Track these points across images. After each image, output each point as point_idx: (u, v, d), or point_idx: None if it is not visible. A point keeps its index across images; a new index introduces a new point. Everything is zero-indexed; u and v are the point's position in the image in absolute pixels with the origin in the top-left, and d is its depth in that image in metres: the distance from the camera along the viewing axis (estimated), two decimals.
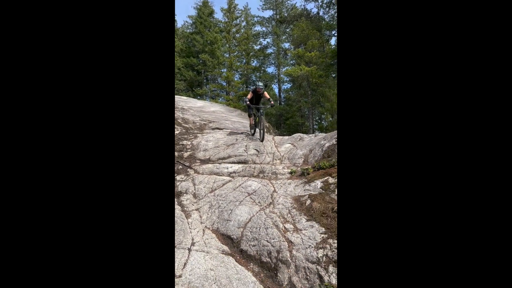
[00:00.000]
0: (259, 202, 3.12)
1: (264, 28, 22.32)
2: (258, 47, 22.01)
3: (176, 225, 2.69)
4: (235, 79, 19.65)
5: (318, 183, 3.34)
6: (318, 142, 4.78)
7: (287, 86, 21.54)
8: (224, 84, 19.42)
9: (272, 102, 5.83)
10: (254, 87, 5.96)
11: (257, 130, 5.71)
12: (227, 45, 19.63)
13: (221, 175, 4.00)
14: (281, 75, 20.73)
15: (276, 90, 21.39)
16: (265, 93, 5.94)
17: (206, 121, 7.14)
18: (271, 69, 23.20)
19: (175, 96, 9.96)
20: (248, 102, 5.81)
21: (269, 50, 21.95)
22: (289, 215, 2.87)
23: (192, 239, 2.58)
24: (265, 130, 5.93)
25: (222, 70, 19.30)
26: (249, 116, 6.08)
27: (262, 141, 5.34)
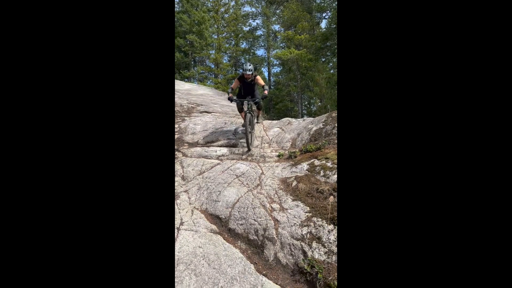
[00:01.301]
0: (247, 184, 3.20)
1: (253, 9, 21.63)
2: (247, 28, 21.40)
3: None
4: (224, 61, 19.18)
5: (305, 166, 3.44)
6: (305, 126, 4.85)
7: (276, 69, 21.29)
8: (213, 66, 18.93)
9: (266, 91, 4.31)
10: (240, 71, 4.38)
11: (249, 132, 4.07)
12: (216, 26, 18.95)
13: (209, 158, 4.02)
14: (271, 58, 20.40)
15: (266, 74, 21.11)
16: (258, 77, 4.39)
17: (193, 104, 7.03)
18: (260, 52, 22.77)
19: None
20: (230, 94, 4.23)
21: (259, 32, 21.42)
22: (275, 195, 2.97)
23: (181, 219, 2.63)
24: (254, 133, 4.50)
25: (210, 52, 18.73)
26: (239, 111, 4.63)
27: (248, 150, 4.08)
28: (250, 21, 21.81)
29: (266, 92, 4.34)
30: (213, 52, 18.74)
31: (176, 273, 2.05)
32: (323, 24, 17.03)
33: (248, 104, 4.23)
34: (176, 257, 2.18)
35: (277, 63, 20.03)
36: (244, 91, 4.50)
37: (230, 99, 4.28)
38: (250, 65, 4.35)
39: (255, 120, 4.87)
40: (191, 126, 5.21)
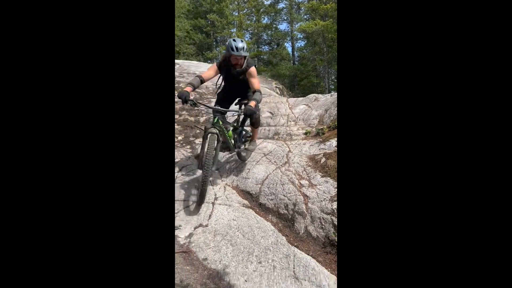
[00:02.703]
0: (275, 162, 3.26)
1: None
2: (268, 2, 20.42)
3: (198, 183, 2.91)
4: (246, 39, 18.75)
5: (333, 142, 3.39)
6: (334, 102, 4.69)
7: (301, 43, 20.34)
8: None
9: (254, 102, 2.37)
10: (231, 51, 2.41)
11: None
12: (236, 2, 18.37)
13: None
14: (295, 32, 19.46)
15: (290, 49, 20.30)
16: (252, 70, 2.52)
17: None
18: (283, 26, 21.83)
19: (186, 61, 9.75)
20: (187, 88, 2.33)
21: (281, 5, 20.33)
22: (304, 172, 3.00)
23: (215, 195, 2.81)
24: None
25: (232, 30, 18.39)
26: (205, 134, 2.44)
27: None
28: None
29: (253, 103, 2.33)
30: (235, 30, 18.35)
31: (213, 243, 2.23)
32: None
33: (216, 117, 2.41)
34: (213, 229, 2.36)
35: (301, 36, 19.09)
36: (229, 89, 2.70)
37: (180, 97, 2.24)
38: (242, 41, 2.47)
39: (244, 154, 2.99)
40: None
